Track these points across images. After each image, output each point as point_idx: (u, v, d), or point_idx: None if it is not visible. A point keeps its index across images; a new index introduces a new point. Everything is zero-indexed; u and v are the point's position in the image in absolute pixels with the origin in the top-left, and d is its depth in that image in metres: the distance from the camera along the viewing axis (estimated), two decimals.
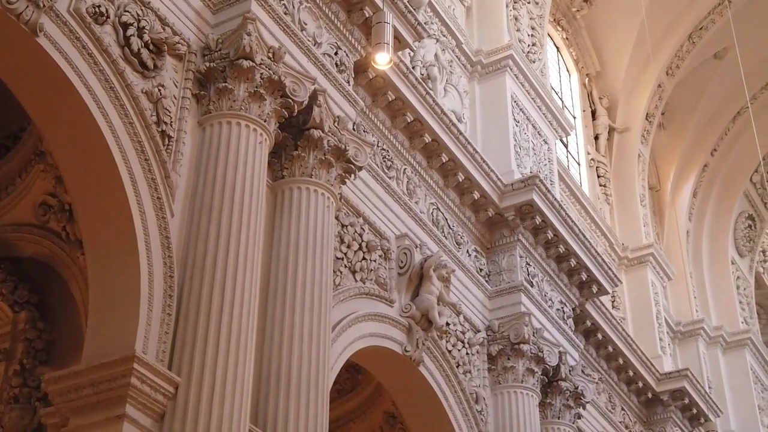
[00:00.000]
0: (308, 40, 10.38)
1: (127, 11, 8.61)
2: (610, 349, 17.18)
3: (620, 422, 17.69)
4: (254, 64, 9.28)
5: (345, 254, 11.07)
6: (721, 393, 21.83)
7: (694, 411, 19.03)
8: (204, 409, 7.67)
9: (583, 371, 14.81)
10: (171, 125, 8.82)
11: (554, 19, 21.07)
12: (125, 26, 8.57)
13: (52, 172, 10.07)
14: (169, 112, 8.83)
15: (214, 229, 8.52)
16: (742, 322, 23.47)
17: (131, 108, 8.39)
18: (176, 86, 9.03)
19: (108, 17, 8.42)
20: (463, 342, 12.89)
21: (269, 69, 9.43)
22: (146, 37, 8.73)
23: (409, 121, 12.67)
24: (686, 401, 18.74)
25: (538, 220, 14.14)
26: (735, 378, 22.49)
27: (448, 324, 12.46)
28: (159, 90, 8.76)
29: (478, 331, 13.32)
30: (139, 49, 8.63)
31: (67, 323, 10.81)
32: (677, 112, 23.15)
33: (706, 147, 23.88)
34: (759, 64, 23.00)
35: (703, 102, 23.15)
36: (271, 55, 9.54)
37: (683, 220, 23.29)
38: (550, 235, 14.41)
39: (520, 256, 14.11)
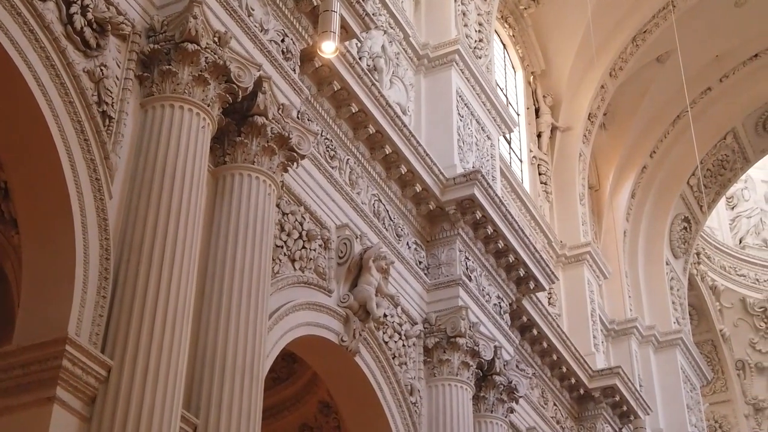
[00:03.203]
0: (255, 26, 10.32)
1: None
2: (545, 345, 17.38)
3: (552, 417, 17.92)
4: (199, 48, 9.20)
5: (285, 242, 11.04)
6: (652, 391, 22.18)
7: (625, 408, 19.32)
8: (136, 394, 7.61)
9: (517, 366, 14.96)
10: (112, 106, 8.71)
11: (502, 16, 21.20)
12: (68, 4, 8.42)
13: None
14: (111, 92, 8.71)
15: (152, 213, 8.44)
16: (674, 323, 23.84)
17: (72, 87, 8.26)
18: (119, 67, 8.92)
19: None
20: (399, 334, 12.94)
21: (214, 53, 9.35)
22: (90, 16, 8.60)
23: (353, 111, 12.67)
24: (617, 398, 19.01)
25: (478, 214, 14.24)
26: (665, 377, 22.85)
27: (385, 315, 12.51)
28: (101, 70, 8.64)
29: (415, 324, 13.38)
30: (82, 28, 8.49)
31: None
32: (619, 114, 23.45)
33: (646, 149, 24.23)
34: (700, 69, 23.40)
35: (644, 104, 23.47)
36: (216, 39, 9.47)
37: (621, 220, 23.62)
38: (489, 230, 14.52)
39: (460, 250, 14.20)
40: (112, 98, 8.73)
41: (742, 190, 33.35)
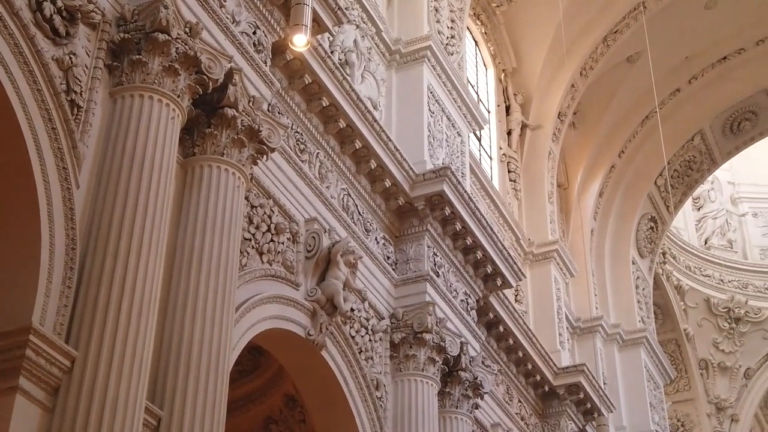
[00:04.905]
0: (227, 18, 10.28)
1: None
2: (511, 341, 17.47)
3: (516, 414, 18.01)
4: (170, 38, 9.14)
5: (253, 235, 11.01)
6: (615, 389, 22.36)
7: (588, 406, 19.46)
8: (100, 385, 7.56)
9: (483, 362, 15.02)
10: (81, 95, 8.64)
11: (474, 13, 21.26)
12: None
13: None
14: (80, 81, 8.64)
15: (120, 203, 8.39)
16: (639, 321, 24.03)
17: (40, 75, 8.18)
18: (88, 55, 8.84)
19: None
20: (366, 328, 12.96)
21: (185, 44, 9.30)
22: (59, 3, 8.52)
23: (324, 105, 12.66)
24: (581, 396, 19.14)
25: (447, 211, 14.28)
26: (629, 375, 23.03)
27: (352, 310, 12.52)
28: (70, 58, 8.56)
29: (382, 319, 13.41)
30: (51, 15, 8.41)
31: None
32: (588, 113, 23.58)
33: (615, 148, 24.39)
34: (669, 71, 23.60)
35: (613, 104, 23.63)
36: (188, 30, 9.42)
37: (588, 219, 23.76)
38: (458, 226, 14.56)
39: (428, 246, 14.23)
40: (81, 87, 8.65)
41: (709, 191, 33.69)
